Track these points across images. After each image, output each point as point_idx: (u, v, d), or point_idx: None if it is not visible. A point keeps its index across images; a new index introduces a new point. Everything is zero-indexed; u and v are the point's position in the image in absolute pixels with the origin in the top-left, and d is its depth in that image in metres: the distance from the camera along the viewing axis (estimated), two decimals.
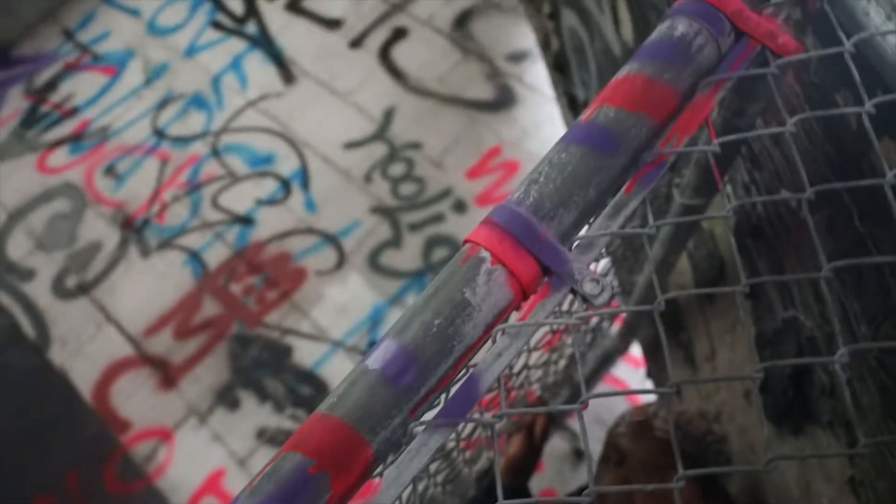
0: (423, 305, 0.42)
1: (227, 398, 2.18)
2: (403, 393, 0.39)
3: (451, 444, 0.87)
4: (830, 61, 0.61)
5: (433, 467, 1.30)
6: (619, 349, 1.43)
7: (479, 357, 0.42)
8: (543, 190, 0.46)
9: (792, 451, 0.79)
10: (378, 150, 2.54)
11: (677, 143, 0.50)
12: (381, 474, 0.41)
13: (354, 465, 0.38)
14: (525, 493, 0.97)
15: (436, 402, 0.41)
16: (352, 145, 2.57)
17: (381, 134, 2.57)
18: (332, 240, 2.39)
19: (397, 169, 2.49)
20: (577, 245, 0.44)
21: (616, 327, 1.46)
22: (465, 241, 0.44)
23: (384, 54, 2.76)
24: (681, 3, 0.55)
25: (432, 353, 0.40)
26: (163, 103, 2.81)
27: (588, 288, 0.42)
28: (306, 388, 2.13)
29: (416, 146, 2.52)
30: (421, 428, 0.39)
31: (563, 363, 1.18)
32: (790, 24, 0.58)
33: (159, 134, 2.74)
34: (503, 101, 2.57)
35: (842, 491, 0.69)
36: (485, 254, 0.43)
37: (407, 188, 2.45)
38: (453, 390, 0.41)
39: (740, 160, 0.81)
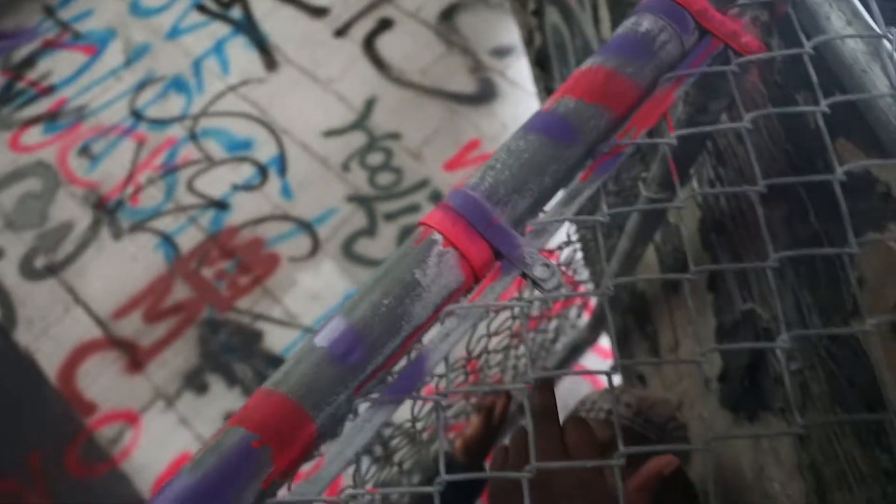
0: (373, 285, 0.42)
1: (195, 382, 2.17)
2: (349, 370, 0.40)
3: (407, 426, 0.88)
4: (792, 63, 0.62)
5: (392, 445, 1.30)
6: (588, 340, 1.44)
7: (429, 337, 0.43)
8: (499, 176, 0.46)
9: (747, 440, 0.81)
10: (357, 139, 2.53)
11: (635, 135, 0.51)
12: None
13: (297, 441, 0.38)
14: (480, 472, 0.96)
15: (383, 381, 0.42)
16: (331, 133, 2.56)
17: (361, 123, 2.56)
18: (306, 227, 2.38)
19: (375, 158, 2.48)
20: (530, 231, 0.45)
21: (586, 318, 1.47)
22: (419, 224, 0.45)
23: (368, 44, 2.75)
24: (648, 0, 0.56)
25: (380, 332, 0.40)
26: (142, 85, 2.78)
27: (538, 272, 0.42)
28: None
29: (395, 136, 2.52)
30: (366, 405, 0.40)
31: (525, 349, 1.20)
32: (757, 26, 0.59)
33: (137, 115, 2.70)
34: (484, 94, 2.57)
35: (791, 475, 0.70)
36: (437, 236, 0.43)
37: (384, 178, 2.44)
38: (400, 369, 0.41)
39: (707, 156, 0.82)
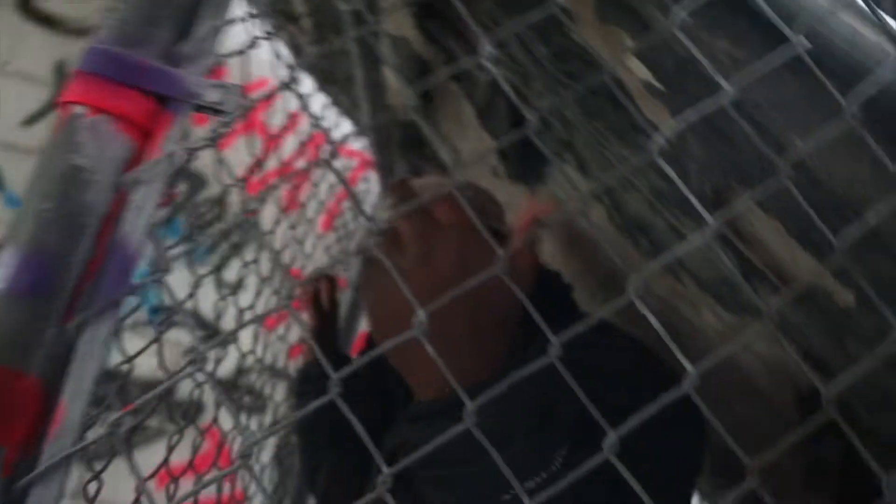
0: (29, 197, 0.34)
1: None
2: (42, 300, 0.32)
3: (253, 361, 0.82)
4: None
5: (264, 392, 1.24)
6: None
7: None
8: (124, 15, 0.38)
9: (547, 198, 0.83)
10: None
11: None
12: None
13: (18, 405, 0.31)
14: (343, 360, 0.92)
15: (98, 290, 0.35)
16: (32, 120, 2.21)
17: (59, 95, 2.23)
18: None
19: None
20: (185, 57, 0.38)
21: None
22: (54, 107, 0.36)
23: (25, 6, 2.34)
24: None
25: (59, 240, 0.33)
26: None
27: (212, 96, 0.36)
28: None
29: None
30: (84, 324, 0.33)
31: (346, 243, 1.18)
32: None
33: None
34: None
35: (591, 204, 0.74)
36: (79, 109, 0.35)
37: None
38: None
39: None
